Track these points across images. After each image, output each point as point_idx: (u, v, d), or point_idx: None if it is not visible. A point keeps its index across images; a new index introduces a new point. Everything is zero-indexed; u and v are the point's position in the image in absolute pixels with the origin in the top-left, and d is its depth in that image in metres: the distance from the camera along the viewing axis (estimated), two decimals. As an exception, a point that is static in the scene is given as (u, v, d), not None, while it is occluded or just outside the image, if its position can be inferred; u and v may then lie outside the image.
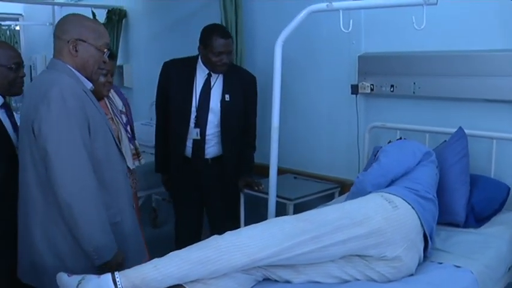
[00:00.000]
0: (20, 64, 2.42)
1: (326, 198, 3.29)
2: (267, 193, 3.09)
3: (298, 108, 3.71)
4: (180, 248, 1.86)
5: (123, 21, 5.54)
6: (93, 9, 5.54)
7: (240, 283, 1.86)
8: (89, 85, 2.08)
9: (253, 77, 3.25)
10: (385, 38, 3.20)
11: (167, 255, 1.83)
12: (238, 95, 3.17)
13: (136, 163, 2.98)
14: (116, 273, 1.76)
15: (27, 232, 2.01)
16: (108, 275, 1.75)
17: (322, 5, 2.55)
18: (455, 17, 2.88)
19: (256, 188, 3.23)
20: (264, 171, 3.01)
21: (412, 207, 2.01)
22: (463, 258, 2.11)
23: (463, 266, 2.03)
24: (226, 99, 3.15)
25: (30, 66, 7.37)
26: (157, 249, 2.38)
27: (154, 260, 1.81)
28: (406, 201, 2.02)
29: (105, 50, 2.07)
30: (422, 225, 2.02)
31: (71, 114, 1.88)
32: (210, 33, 3.07)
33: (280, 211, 3.06)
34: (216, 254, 1.77)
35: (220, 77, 3.17)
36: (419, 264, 2.04)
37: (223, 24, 3.77)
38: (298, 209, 3.10)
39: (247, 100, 3.20)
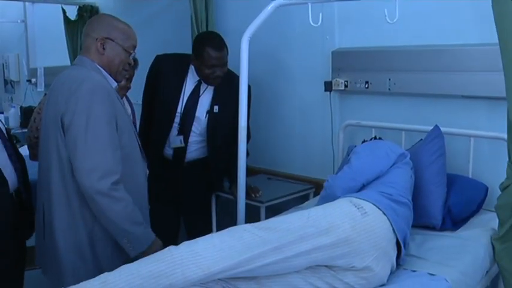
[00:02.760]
0: None
1: (300, 200, 3.17)
2: (262, 201, 3.00)
3: (271, 105, 3.58)
4: None
5: (95, 18, 5.34)
6: (63, 5, 5.34)
7: (197, 297, 1.72)
8: (114, 84, 2.13)
9: (248, 86, 2.85)
10: (359, 32, 3.07)
11: (118, 269, 1.68)
12: (229, 106, 2.94)
13: None
14: (60, 291, 1.62)
15: (51, 227, 2.02)
16: None
17: (290, -2, 2.42)
18: (431, 11, 2.76)
19: (253, 195, 3.04)
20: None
21: (384, 213, 1.87)
22: (438, 265, 1.99)
23: (437, 274, 1.91)
24: (215, 110, 2.99)
25: (3, 65, 7.16)
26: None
27: (103, 274, 1.67)
28: (377, 206, 1.88)
29: (132, 51, 2.15)
30: (394, 232, 1.89)
31: (100, 107, 1.93)
32: (202, 44, 2.85)
33: (253, 214, 2.94)
34: (170, 267, 1.63)
35: (211, 86, 2.98)
36: (392, 273, 1.92)
37: (193, 20, 3.62)
38: (271, 211, 3.00)
39: None
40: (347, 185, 2.13)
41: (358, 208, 1.84)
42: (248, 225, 1.81)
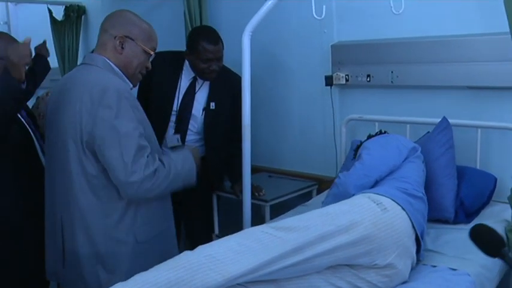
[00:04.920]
0: None
1: (303, 197, 3.12)
2: (266, 200, 2.93)
3: (269, 102, 3.52)
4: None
5: (82, 18, 5.24)
6: (49, 5, 5.22)
7: (216, 303, 1.65)
8: (130, 85, 1.99)
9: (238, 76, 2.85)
10: (358, 25, 3.02)
11: (132, 278, 1.60)
12: (226, 102, 2.92)
13: None
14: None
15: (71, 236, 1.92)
16: None
17: (293, -10, 2.36)
18: (432, 1, 2.70)
19: (256, 194, 2.95)
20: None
21: (403, 208, 1.82)
22: (457, 259, 1.96)
23: (458, 269, 1.87)
24: (211, 107, 2.93)
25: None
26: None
27: (117, 284, 1.59)
28: (395, 201, 1.83)
29: (152, 54, 1.99)
30: (414, 227, 1.84)
31: (130, 117, 1.82)
32: (196, 38, 2.80)
33: (256, 213, 2.88)
34: (188, 274, 1.56)
35: (207, 82, 2.93)
36: (412, 269, 1.87)
37: (187, 17, 3.55)
38: (275, 210, 2.94)
39: (238, 106, 2.75)
40: (360, 182, 2.07)
41: (377, 204, 1.78)
42: (264, 226, 1.74)
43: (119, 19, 1.96)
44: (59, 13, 5.18)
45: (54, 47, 5.25)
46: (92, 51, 2.02)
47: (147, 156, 1.85)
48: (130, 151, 1.79)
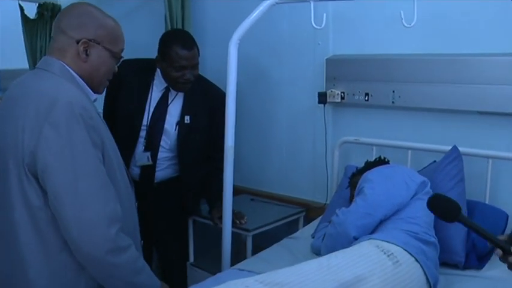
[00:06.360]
0: None
1: (289, 225, 2.82)
2: (248, 229, 2.59)
3: (254, 118, 3.22)
4: None
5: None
6: (20, 2, 4.86)
7: None
8: (93, 96, 1.66)
9: (224, 95, 2.42)
10: (357, 37, 2.73)
11: None
12: (202, 116, 2.64)
13: None
14: None
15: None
16: None
17: (289, -5, 2.08)
18: (443, 15, 2.43)
19: (238, 222, 2.61)
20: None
21: (416, 259, 1.53)
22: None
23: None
24: (186, 121, 2.63)
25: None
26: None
27: None
28: (407, 251, 1.53)
29: (120, 57, 1.70)
30: (428, 281, 1.54)
31: (84, 138, 1.47)
32: (169, 42, 2.50)
33: (236, 242, 2.58)
34: None
35: (181, 94, 2.63)
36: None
37: (168, 20, 3.24)
38: (257, 239, 2.63)
39: (216, 122, 2.57)
40: (362, 222, 1.77)
41: (388, 255, 1.48)
42: (251, 279, 1.42)
43: (80, 17, 1.59)
44: (31, 11, 4.84)
45: (25, 47, 4.92)
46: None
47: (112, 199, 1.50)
48: (84, 179, 1.45)
